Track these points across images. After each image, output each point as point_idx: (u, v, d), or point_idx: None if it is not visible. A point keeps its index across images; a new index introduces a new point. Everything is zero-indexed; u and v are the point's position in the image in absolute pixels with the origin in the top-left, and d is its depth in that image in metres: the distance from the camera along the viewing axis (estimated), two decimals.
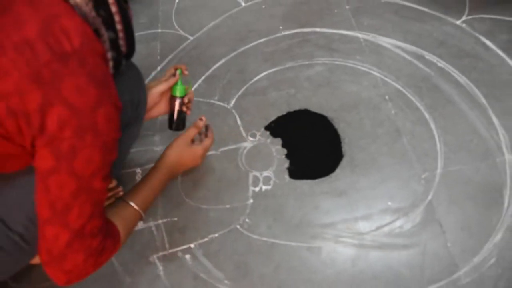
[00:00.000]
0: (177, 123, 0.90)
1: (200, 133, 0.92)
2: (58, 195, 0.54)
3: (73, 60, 0.52)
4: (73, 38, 0.52)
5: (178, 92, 0.88)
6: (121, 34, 0.62)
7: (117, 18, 0.60)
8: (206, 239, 0.92)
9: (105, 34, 0.60)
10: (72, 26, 0.52)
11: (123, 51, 0.64)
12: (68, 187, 0.54)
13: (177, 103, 0.89)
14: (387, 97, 1.11)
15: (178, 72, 0.88)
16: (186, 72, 0.90)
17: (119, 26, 0.61)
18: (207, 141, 0.89)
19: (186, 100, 0.90)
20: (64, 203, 0.55)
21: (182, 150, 0.85)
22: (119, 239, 0.66)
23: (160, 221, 0.95)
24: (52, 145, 0.53)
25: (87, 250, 0.59)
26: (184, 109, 0.91)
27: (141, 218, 0.76)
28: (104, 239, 0.62)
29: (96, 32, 0.58)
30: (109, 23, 0.59)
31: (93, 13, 0.56)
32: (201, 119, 0.89)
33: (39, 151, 0.53)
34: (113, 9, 0.59)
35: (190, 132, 0.88)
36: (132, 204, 0.75)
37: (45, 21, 0.51)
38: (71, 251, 0.58)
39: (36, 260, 0.78)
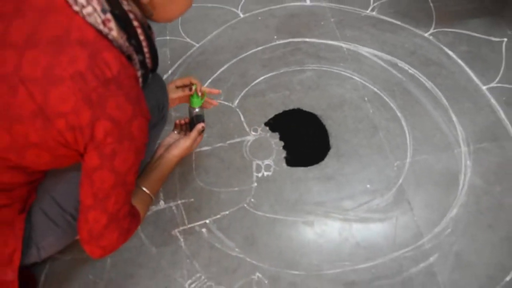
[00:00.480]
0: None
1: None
2: (100, 187, 0.70)
3: (113, 85, 0.65)
4: (112, 67, 0.65)
5: (195, 104, 1.05)
6: (147, 55, 0.77)
7: (144, 44, 0.75)
8: (218, 216, 1.11)
9: (136, 58, 0.74)
10: (111, 58, 0.65)
11: (149, 67, 0.81)
12: (108, 180, 0.70)
13: (194, 112, 1.05)
14: (366, 98, 1.32)
15: (194, 87, 1.04)
16: (199, 92, 1.05)
17: (146, 50, 0.76)
18: (192, 134, 1.02)
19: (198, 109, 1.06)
20: (105, 193, 0.71)
21: (179, 147, 1.00)
22: (140, 219, 0.84)
23: (179, 202, 1.13)
24: (98, 148, 0.67)
25: (120, 230, 0.77)
26: (200, 112, 1.07)
27: (152, 201, 0.94)
28: (131, 220, 0.80)
29: (129, 57, 0.73)
30: (139, 49, 0.74)
31: (126, 44, 0.70)
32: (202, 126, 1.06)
33: (88, 153, 0.68)
34: (141, 37, 0.74)
35: (190, 140, 1.03)
36: (145, 190, 0.92)
37: (91, 56, 0.63)
38: (108, 231, 0.74)
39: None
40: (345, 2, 1.60)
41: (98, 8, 0.63)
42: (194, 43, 1.48)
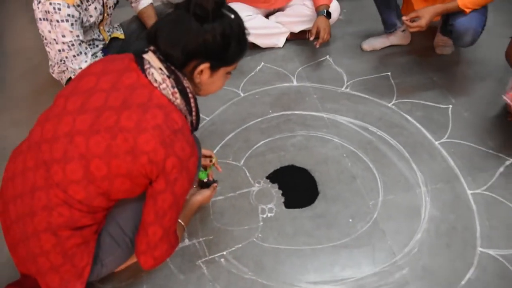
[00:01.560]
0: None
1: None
2: (161, 206, 1.00)
3: (179, 134, 0.97)
4: (178, 122, 0.98)
5: (202, 176, 1.39)
6: (194, 118, 1.12)
7: (193, 109, 1.12)
8: (233, 248, 1.39)
9: (189, 118, 1.11)
10: (177, 116, 0.99)
11: (194, 126, 1.15)
12: (168, 201, 1.00)
13: (207, 180, 1.39)
14: (345, 155, 1.67)
15: (213, 160, 1.41)
16: (219, 169, 1.43)
17: (194, 113, 1.11)
18: (211, 192, 1.38)
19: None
20: (163, 211, 1.01)
21: (202, 194, 1.34)
22: (179, 241, 1.13)
23: (201, 239, 1.41)
24: (165, 177, 0.98)
25: (168, 244, 1.06)
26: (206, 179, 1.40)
27: (184, 230, 1.24)
28: (176, 239, 1.10)
29: (185, 117, 1.09)
30: (190, 113, 1.10)
31: (184, 108, 1.07)
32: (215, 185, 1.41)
33: (158, 180, 0.99)
34: (192, 105, 1.11)
35: (210, 191, 1.37)
36: (180, 222, 1.22)
37: (165, 114, 0.96)
38: (161, 243, 1.04)
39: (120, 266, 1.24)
40: (324, 82, 2.02)
41: (169, 85, 0.99)
42: (205, 117, 1.85)
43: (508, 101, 1.52)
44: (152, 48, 1.02)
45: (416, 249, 1.36)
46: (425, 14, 1.73)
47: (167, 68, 0.99)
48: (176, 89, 1.00)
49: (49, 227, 0.99)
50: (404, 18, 1.79)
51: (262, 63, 2.15)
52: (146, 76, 0.99)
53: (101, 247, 1.09)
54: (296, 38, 2.28)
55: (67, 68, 1.85)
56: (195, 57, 0.99)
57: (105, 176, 0.96)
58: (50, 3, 1.56)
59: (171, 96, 1.00)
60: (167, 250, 1.06)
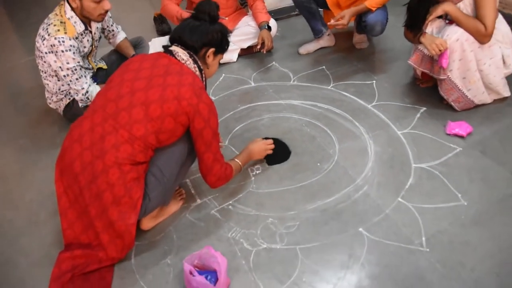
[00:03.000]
0: None
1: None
2: (206, 138, 1.47)
3: (203, 89, 1.46)
4: (200, 83, 1.47)
5: None
6: (204, 85, 1.57)
7: (204, 80, 1.57)
8: (236, 198, 1.78)
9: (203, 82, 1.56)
10: (199, 80, 1.48)
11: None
12: (209, 134, 1.47)
13: None
14: (303, 125, 2.15)
15: None
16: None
17: (204, 82, 1.57)
18: (265, 146, 1.87)
19: None
20: (209, 141, 1.48)
21: (256, 144, 1.83)
22: (232, 173, 1.62)
23: (210, 197, 1.80)
24: (201, 117, 1.44)
25: (220, 164, 1.55)
26: None
27: (240, 169, 1.72)
28: (225, 164, 1.57)
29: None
30: (203, 80, 1.57)
31: (200, 78, 1.53)
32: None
33: (195, 120, 1.44)
34: (203, 76, 1.58)
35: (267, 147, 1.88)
36: (238, 161, 1.71)
37: (193, 77, 1.45)
38: (214, 163, 1.52)
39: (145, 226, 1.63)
40: (276, 80, 2.53)
41: (192, 62, 1.49)
42: None
43: (412, 63, 2.10)
44: (174, 45, 1.55)
45: (370, 173, 1.85)
46: (345, 15, 2.32)
47: (188, 53, 1.52)
48: (195, 65, 1.52)
49: (116, 161, 1.39)
50: (331, 22, 2.36)
51: (223, 74, 2.63)
52: (175, 58, 1.48)
53: (147, 185, 1.48)
54: (246, 53, 2.80)
55: (65, 96, 2.20)
56: (205, 46, 1.54)
57: (158, 116, 1.41)
58: (55, 38, 1.94)
59: (193, 69, 1.51)
60: (220, 169, 1.56)
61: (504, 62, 1.99)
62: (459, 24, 1.89)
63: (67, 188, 1.50)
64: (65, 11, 2.00)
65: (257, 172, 1.91)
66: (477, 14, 1.87)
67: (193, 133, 1.49)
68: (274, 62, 2.71)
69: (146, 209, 1.50)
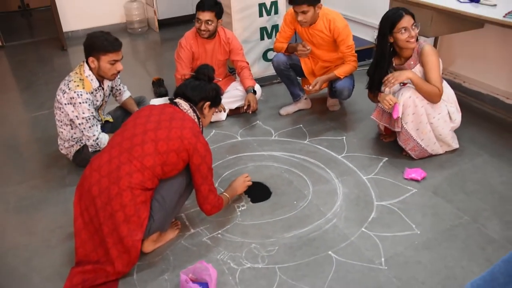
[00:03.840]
0: None
1: None
2: (203, 172, 1.81)
3: (200, 133, 1.83)
4: (198, 128, 1.86)
5: None
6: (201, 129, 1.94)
7: (201, 127, 1.94)
8: (225, 228, 2.07)
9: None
10: (197, 126, 1.86)
11: None
12: (205, 169, 1.81)
13: None
14: (283, 171, 2.50)
15: None
16: None
17: (201, 129, 1.93)
18: (245, 183, 2.20)
19: None
20: (205, 175, 1.82)
21: (237, 180, 2.16)
22: (223, 204, 1.94)
23: (202, 227, 2.08)
24: (199, 154, 1.79)
25: (214, 194, 1.88)
26: None
27: (228, 202, 2.03)
28: (219, 199, 1.90)
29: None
30: (200, 127, 1.93)
31: (198, 123, 1.91)
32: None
33: (193, 157, 1.79)
34: (201, 124, 1.95)
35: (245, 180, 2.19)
36: (226, 194, 2.03)
37: (193, 123, 1.83)
38: (209, 194, 1.85)
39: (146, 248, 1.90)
40: (259, 135, 2.91)
41: (191, 112, 1.87)
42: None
43: (374, 118, 2.51)
44: (178, 98, 1.93)
45: (338, 209, 2.17)
46: (318, 81, 2.78)
47: (189, 105, 1.90)
48: (194, 114, 1.90)
49: (129, 186, 1.69)
50: (307, 88, 2.81)
51: (214, 130, 3.02)
52: (179, 108, 1.86)
53: (152, 209, 1.77)
54: (234, 113, 3.21)
55: (76, 143, 2.53)
56: (203, 100, 1.93)
57: (165, 150, 1.74)
58: (75, 92, 2.31)
59: (193, 117, 1.89)
60: (214, 199, 1.89)
61: (450, 117, 2.43)
62: (418, 87, 2.32)
63: (84, 210, 1.78)
64: (84, 70, 2.39)
65: (242, 208, 2.21)
66: (428, 79, 2.32)
67: (192, 168, 1.82)
68: (258, 121, 3.11)
69: (150, 229, 1.78)
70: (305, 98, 3.18)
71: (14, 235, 2.11)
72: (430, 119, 2.40)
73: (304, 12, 2.65)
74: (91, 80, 2.40)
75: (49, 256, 1.96)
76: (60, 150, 2.61)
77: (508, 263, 1.19)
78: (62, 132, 2.52)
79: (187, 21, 5.51)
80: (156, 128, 1.78)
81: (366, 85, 2.57)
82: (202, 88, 1.94)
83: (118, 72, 2.43)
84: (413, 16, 2.31)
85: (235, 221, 2.12)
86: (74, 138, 2.52)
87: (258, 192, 2.31)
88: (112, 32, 2.42)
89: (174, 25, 5.53)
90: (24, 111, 3.46)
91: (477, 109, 3.13)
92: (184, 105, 1.91)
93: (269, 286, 1.75)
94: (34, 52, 4.94)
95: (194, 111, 1.92)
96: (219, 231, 2.06)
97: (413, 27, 2.30)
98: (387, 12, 2.38)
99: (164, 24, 5.47)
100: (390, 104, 2.32)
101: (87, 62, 2.40)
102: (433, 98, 2.32)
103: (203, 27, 2.90)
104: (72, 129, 2.48)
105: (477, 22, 2.90)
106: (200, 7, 2.87)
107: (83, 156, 2.54)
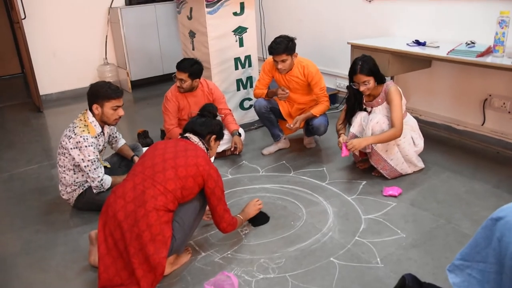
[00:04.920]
0: None
1: None
2: (217, 195, 2.04)
3: (211, 162, 2.09)
4: (208, 158, 2.11)
5: None
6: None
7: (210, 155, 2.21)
8: (233, 249, 2.25)
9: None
10: (207, 156, 2.12)
11: None
12: (219, 192, 2.05)
13: None
14: (275, 199, 2.74)
15: None
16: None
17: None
18: (257, 206, 2.41)
19: None
20: (220, 197, 2.05)
21: (250, 204, 2.36)
22: (236, 224, 2.16)
23: (212, 250, 2.25)
24: (212, 179, 2.03)
25: (228, 214, 2.12)
26: None
27: (242, 223, 2.25)
28: (233, 219, 2.14)
29: None
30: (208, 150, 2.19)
31: (208, 155, 2.17)
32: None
33: (208, 182, 2.02)
34: (210, 155, 2.20)
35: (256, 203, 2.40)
36: (240, 216, 2.23)
37: (204, 153, 2.10)
38: (225, 213, 2.08)
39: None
40: (248, 173, 3.16)
41: (201, 144, 2.14)
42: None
43: (344, 148, 2.85)
44: (188, 133, 2.18)
45: (332, 224, 2.43)
46: (298, 120, 3.14)
47: (198, 138, 2.17)
48: (204, 146, 2.15)
49: (155, 207, 1.87)
50: (288, 126, 3.16)
51: None
52: (190, 141, 2.12)
53: (174, 229, 1.95)
54: (220, 156, 3.47)
55: (78, 187, 2.67)
56: (209, 133, 2.21)
57: (184, 175, 1.95)
58: (81, 136, 2.50)
59: (204, 148, 2.15)
60: (229, 217, 2.12)
61: (414, 142, 2.82)
62: (381, 142, 2.68)
63: (108, 236, 1.93)
64: (87, 117, 2.60)
65: (246, 232, 2.41)
66: (391, 117, 2.71)
67: (207, 192, 2.05)
68: (244, 161, 3.38)
69: (173, 248, 1.94)
70: (284, 138, 3.50)
71: (27, 274, 2.18)
72: (397, 141, 2.78)
73: (283, 61, 3.05)
74: (95, 125, 2.60)
75: (69, 287, 2.04)
76: (61, 196, 2.73)
77: (486, 228, 1.49)
78: (64, 177, 2.65)
79: (158, 81, 5.86)
80: (175, 157, 2.01)
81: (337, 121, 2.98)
82: (208, 124, 2.22)
83: (120, 117, 2.65)
84: (370, 72, 2.70)
85: (241, 242, 2.31)
86: (76, 183, 2.66)
87: (258, 218, 2.51)
88: (85, 95, 2.65)
89: (146, 85, 5.85)
90: (12, 167, 3.53)
91: (435, 136, 3.59)
92: (194, 138, 2.17)
93: None
94: (10, 114, 5.04)
95: (203, 143, 2.18)
96: (229, 252, 2.24)
97: (364, 83, 2.72)
98: (352, 62, 2.79)
99: (137, 85, 5.78)
100: (339, 144, 2.77)
101: (90, 110, 2.61)
102: (394, 136, 2.69)
103: (178, 84, 3.21)
104: (75, 173, 2.63)
105: (426, 62, 3.45)
106: (177, 67, 3.20)
107: (86, 200, 2.67)
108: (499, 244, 1.41)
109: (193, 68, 3.18)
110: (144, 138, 3.84)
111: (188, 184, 1.98)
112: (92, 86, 2.64)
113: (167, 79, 5.80)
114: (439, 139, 3.54)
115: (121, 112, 2.64)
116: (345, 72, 4.26)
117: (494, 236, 1.44)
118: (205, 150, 2.16)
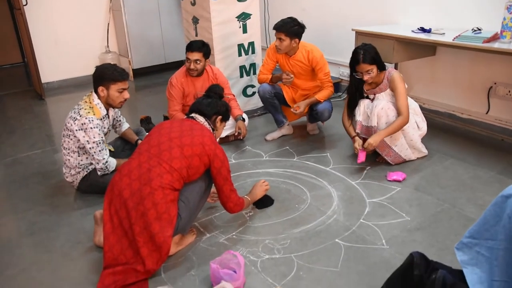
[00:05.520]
0: None
1: None
2: (224, 174, 2.03)
3: (216, 141, 2.08)
4: (213, 137, 2.09)
5: None
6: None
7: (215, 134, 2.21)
8: (238, 230, 2.25)
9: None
10: (212, 135, 2.10)
11: None
12: (225, 171, 2.04)
13: None
14: (279, 183, 2.74)
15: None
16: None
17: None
18: (264, 186, 2.40)
19: None
20: (226, 176, 2.04)
21: (257, 185, 2.35)
22: (243, 205, 2.16)
23: (217, 231, 2.25)
24: (218, 159, 2.03)
25: (235, 193, 2.12)
26: None
27: (249, 204, 2.24)
28: (239, 199, 2.14)
29: None
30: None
31: (212, 134, 2.16)
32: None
33: (214, 161, 2.01)
34: (215, 134, 2.20)
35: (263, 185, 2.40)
36: (247, 197, 2.23)
37: (210, 132, 2.10)
38: (231, 193, 2.08)
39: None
40: (252, 157, 3.15)
41: (207, 124, 2.13)
42: None
43: (358, 131, 2.84)
44: (193, 113, 2.17)
45: (336, 207, 2.43)
46: (301, 105, 3.14)
47: (204, 118, 2.15)
48: (209, 127, 2.14)
49: (161, 185, 1.87)
50: (292, 110, 3.15)
51: None
52: (196, 121, 2.10)
53: (179, 208, 1.95)
54: (224, 141, 3.46)
55: (82, 169, 2.66)
56: (215, 114, 2.19)
57: (190, 154, 1.95)
58: (86, 118, 2.49)
59: (210, 128, 2.14)
60: (235, 197, 2.11)
61: (418, 126, 2.82)
62: (392, 133, 2.67)
63: (113, 214, 1.92)
64: (93, 99, 2.58)
65: (250, 214, 2.41)
66: (397, 105, 2.71)
67: (213, 172, 2.04)
68: (247, 146, 3.37)
69: (178, 226, 1.94)
70: (288, 125, 3.50)
71: (33, 253, 2.18)
72: None
73: (280, 40, 3.07)
74: (100, 108, 2.59)
75: (74, 266, 2.05)
76: (65, 178, 2.72)
77: (496, 205, 1.48)
78: (69, 159, 2.65)
79: (160, 70, 5.84)
80: (180, 136, 2.00)
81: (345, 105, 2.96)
82: (214, 104, 2.21)
83: (125, 100, 2.64)
84: (373, 60, 2.67)
85: (246, 224, 2.31)
86: (80, 165, 2.65)
87: (262, 200, 2.51)
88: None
89: (148, 74, 5.83)
90: (15, 152, 3.52)
91: (438, 123, 3.59)
92: (200, 118, 2.16)
93: (289, 270, 1.94)
94: (11, 102, 5.01)
95: (209, 124, 2.17)
96: (234, 233, 2.24)
97: (368, 72, 2.70)
98: (353, 51, 2.76)
99: (139, 73, 5.76)
100: (356, 151, 2.79)
101: (95, 92, 2.60)
102: (403, 124, 2.69)
103: (192, 66, 3.20)
104: (79, 156, 2.62)
105: (430, 50, 3.43)
106: (189, 48, 3.19)
107: (90, 182, 2.67)
108: (509, 221, 1.41)
109: (204, 47, 3.20)
110: (147, 124, 3.83)
111: (194, 163, 1.97)
112: (98, 68, 2.62)
113: (169, 67, 5.79)
114: (442, 127, 3.53)
115: (126, 94, 2.62)
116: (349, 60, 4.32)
117: (505, 213, 1.43)
118: (211, 131, 2.15)
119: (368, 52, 2.68)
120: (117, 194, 1.93)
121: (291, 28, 3.03)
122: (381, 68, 2.75)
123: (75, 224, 2.42)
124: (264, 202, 2.48)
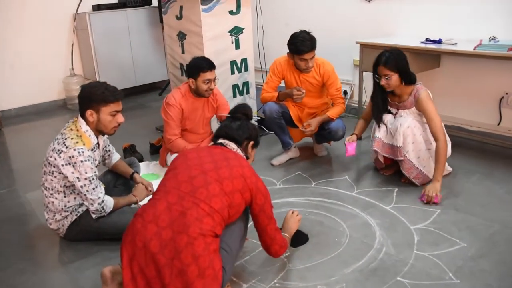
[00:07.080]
0: None
1: None
2: (267, 213, 1.67)
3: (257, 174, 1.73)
4: (250, 166, 1.73)
5: None
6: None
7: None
8: (282, 274, 1.88)
9: None
10: (249, 164, 1.75)
11: None
12: (269, 208, 1.68)
13: None
14: (307, 214, 2.41)
15: None
16: None
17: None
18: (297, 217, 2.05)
19: None
20: (270, 215, 1.68)
21: (290, 218, 2.01)
22: (287, 244, 1.80)
23: (252, 281, 1.87)
24: (261, 193, 1.67)
25: (279, 233, 1.76)
26: None
27: (289, 242, 1.90)
28: (284, 239, 1.78)
29: None
30: None
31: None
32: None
33: (256, 197, 1.66)
34: (249, 160, 1.84)
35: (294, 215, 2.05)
36: (285, 234, 1.88)
37: (247, 161, 1.74)
38: (276, 233, 1.72)
39: None
40: None
41: (240, 151, 1.76)
42: None
43: (376, 149, 2.60)
44: (221, 139, 1.82)
45: (381, 238, 2.13)
46: (313, 123, 2.85)
47: (236, 145, 1.81)
48: (243, 154, 1.80)
49: (201, 232, 1.49)
50: (302, 129, 2.86)
51: None
52: (226, 148, 1.76)
53: (222, 259, 1.56)
54: None
55: (70, 213, 2.19)
56: (247, 139, 1.85)
57: (231, 190, 1.60)
58: (74, 149, 2.04)
59: (244, 155, 1.80)
60: (280, 238, 1.76)
61: None
62: (443, 167, 2.49)
63: (137, 274, 1.50)
64: (80, 126, 2.14)
65: (286, 254, 2.04)
66: (431, 129, 2.49)
67: (256, 209, 1.69)
68: None
69: (223, 282, 1.55)
70: (294, 147, 3.19)
71: None
72: (428, 145, 2.57)
73: (313, 57, 2.81)
74: (89, 135, 2.15)
75: None
76: (48, 225, 2.24)
77: None
78: (52, 202, 2.17)
79: (131, 93, 5.36)
80: (216, 168, 1.64)
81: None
82: (245, 127, 1.86)
83: (119, 124, 2.21)
84: (395, 67, 2.47)
85: (286, 267, 1.96)
86: (68, 208, 2.18)
87: (294, 237, 2.16)
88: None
89: None
90: None
91: (451, 138, 3.41)
92: (232, 145, 1.80)
93: None
94: None
95: (242, 151, 1.82)
96: (275, 280, 1.87)
97: (385, 77, 2.50)
98: (380, 53, 2.57)
99: None
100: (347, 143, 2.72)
101: (82, 117, 2.16)
102: (447, 150, 2.50)
103: (212, 86, 2.82)
104: (65, 196, 2.16)
105: (435, 62, 3.30)
106: (207, 68, 2.78)
107: (81, 228, 2.20)
108: None
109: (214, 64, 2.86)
110: (132, 153, 3.38)
111: (235, 200, 1.61)
112: (85, 88, 2.17)
113: (141, 90, 5.37)
114: (455, 142, 3.37)
115: (120, 118, 2.19)
116: (347, 77, 4.14)
117: None
118: (244, 158, 1.80)
119: (393, 57, 2.48)
120: (141, 247, 1.51)
121: (315, 40, 2.81)
122: (406, 80, 2.53)
123: (69, 283, 1.95)
124: (298, 238, 2.13)
